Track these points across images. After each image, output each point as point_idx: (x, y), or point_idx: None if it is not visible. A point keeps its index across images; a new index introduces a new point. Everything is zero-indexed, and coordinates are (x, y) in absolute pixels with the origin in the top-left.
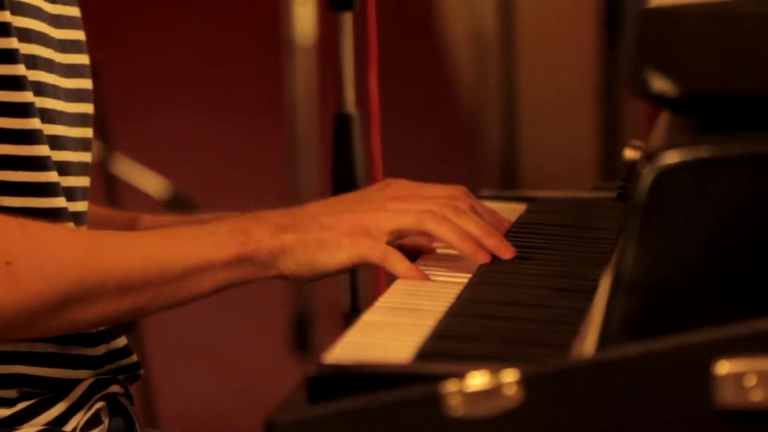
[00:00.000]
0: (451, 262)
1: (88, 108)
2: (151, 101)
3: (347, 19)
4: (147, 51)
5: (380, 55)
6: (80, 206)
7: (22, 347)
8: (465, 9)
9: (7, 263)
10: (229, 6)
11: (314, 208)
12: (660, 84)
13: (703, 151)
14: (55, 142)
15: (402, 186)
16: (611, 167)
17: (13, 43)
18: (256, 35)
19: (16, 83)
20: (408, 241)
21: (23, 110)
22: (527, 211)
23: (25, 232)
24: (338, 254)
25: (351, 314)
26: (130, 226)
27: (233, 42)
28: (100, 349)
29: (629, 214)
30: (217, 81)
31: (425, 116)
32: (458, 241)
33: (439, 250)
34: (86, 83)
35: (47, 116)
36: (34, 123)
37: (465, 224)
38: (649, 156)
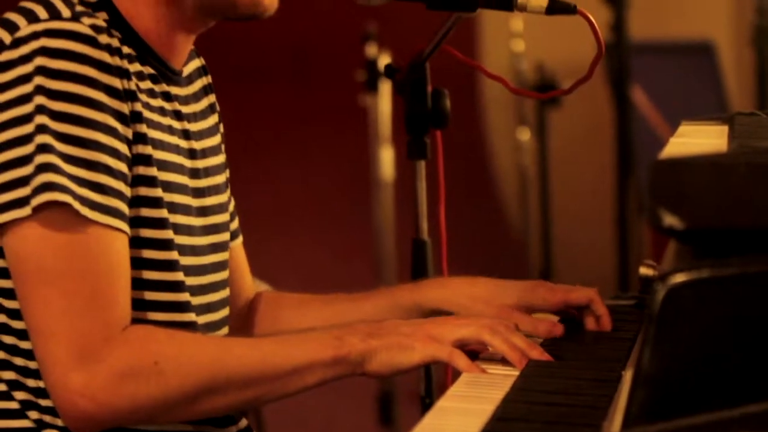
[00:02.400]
0: (503, 361)
1: (221, 238)
2: (262, 227)
3: (421, 165)
4: (261, 186)
5: (446, 192)
6: (211, 318)
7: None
8: (511, 155)
9: (155, 363)
10: (326, 150)
11: (396, 321)
12: (669, 220)
13: (703, 273)
14: (189, 270)
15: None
16: (626, 279)
17: (158, 192)
18: (349, 175)
19: (160, 224)
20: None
21: (166, 245)
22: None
23: (172, 338)
24: (413, 355)
25: (425, 397)
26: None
27: (330, 180)
28: (231, 430)
29: (646, 322)
30: (316, 212)
31: (480, 240)
32: (508, 351)
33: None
34: (221, 218)
35: (183, 250)
36: (174, 255)
37: (513, 338)
38: (662, 277)
